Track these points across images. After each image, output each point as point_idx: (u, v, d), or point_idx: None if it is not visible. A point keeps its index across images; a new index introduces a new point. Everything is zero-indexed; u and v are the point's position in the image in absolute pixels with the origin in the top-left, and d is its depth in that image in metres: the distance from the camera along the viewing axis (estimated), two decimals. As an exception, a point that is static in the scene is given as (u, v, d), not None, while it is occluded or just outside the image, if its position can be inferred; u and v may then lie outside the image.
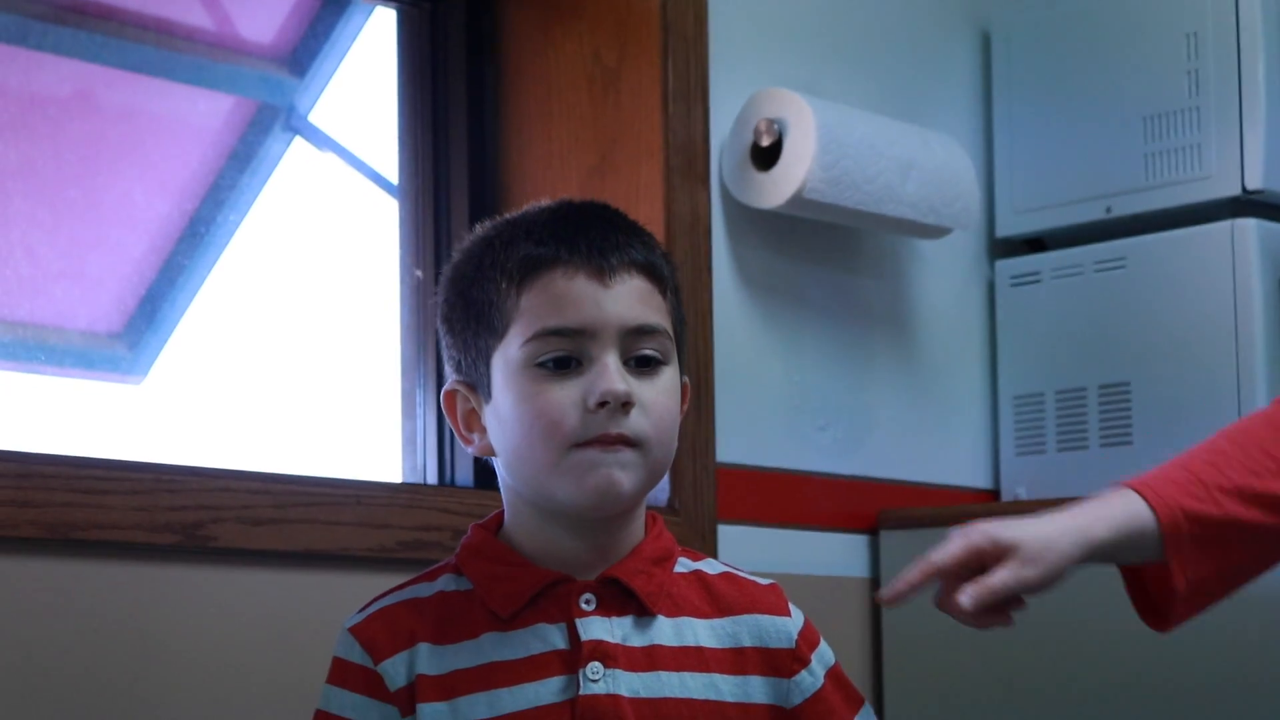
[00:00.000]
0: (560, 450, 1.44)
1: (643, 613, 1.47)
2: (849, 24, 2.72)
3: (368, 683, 1.46)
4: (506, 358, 1.46)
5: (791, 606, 1.54)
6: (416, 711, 1.44)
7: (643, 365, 1.46)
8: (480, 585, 1.48)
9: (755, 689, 1.49)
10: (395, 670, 1.46)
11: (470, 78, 2.54)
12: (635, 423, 1.44)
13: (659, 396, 1.46)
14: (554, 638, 1.45)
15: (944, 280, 2.81)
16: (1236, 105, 2.57)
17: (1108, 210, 2.71)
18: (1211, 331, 2.55)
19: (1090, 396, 2.69)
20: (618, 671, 1.44)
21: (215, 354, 2.40)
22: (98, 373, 2.35)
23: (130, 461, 1.95)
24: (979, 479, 2.82)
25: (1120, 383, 2.65)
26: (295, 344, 2.47)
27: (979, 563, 1.55)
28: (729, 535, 2.44)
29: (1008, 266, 2.82)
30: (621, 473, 1.44)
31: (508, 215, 1.54)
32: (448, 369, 1.54)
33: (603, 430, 1.43)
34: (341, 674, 1.47)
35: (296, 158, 2.52)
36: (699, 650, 1.48)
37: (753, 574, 1.56)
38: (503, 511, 1.53)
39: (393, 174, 2.53)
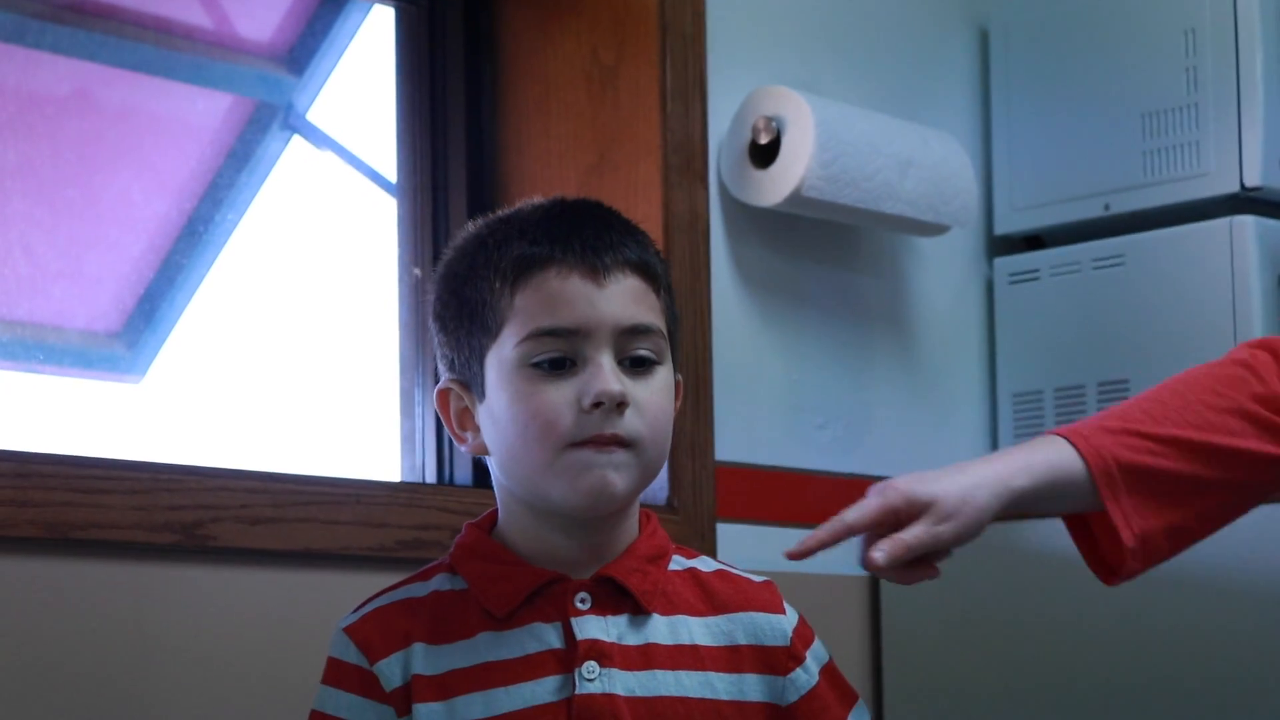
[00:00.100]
0: (555, 451, 1.44)
1: (638, 611, 1.48)
2: (847, 21, 2.72)
3: (363, 683, 1.46)
4: (500, 357, 1.46)
5: (786, 604, 1.54)
6: (412, 711, 1.44)
7: (637, 365, 1.46)
8: (475, 585, 1.48)
9: (750, 687, 1.49)
10: (391, 670, 1.46)
11: (468, 76, 2.54)
12: (630, 423, 1.44)
13: (653, 396, 1.46)
14: (549, 637, 1.46)
15: (942, 278, 2.81)
16: (1235, 102, 2.57)
17: (1106, 207, 2.71)
18: (1210, 329, 2.55)
19: (1089, 394, 2.69)
20: (613, 670, 1.44)
21: (214, 353, 2.40)
22: (96, 372, 2.35)
23: (129, 461, 1.95)
24: (978, 476, 2.81)
25: (1119, 380, 2.65)
26: (294, 343, 2.47)
27: (896, 520, 1.53)
28: (728, 534, 2.44)
29: (1006, 264, 2.82)
30: (615, 474, 1.44)
31: (500, 212, 1.53)
32: (440, 366, 1.54)
33: (597, 431, 1.43)
34: (337, 674, 1.48)
35: (295, 156, 2.52)
36: (694, 648, 1.48)
37: (747, 571, 1.56)
38: (497, 510, 1.53)
39: (391, 172, 2.53)
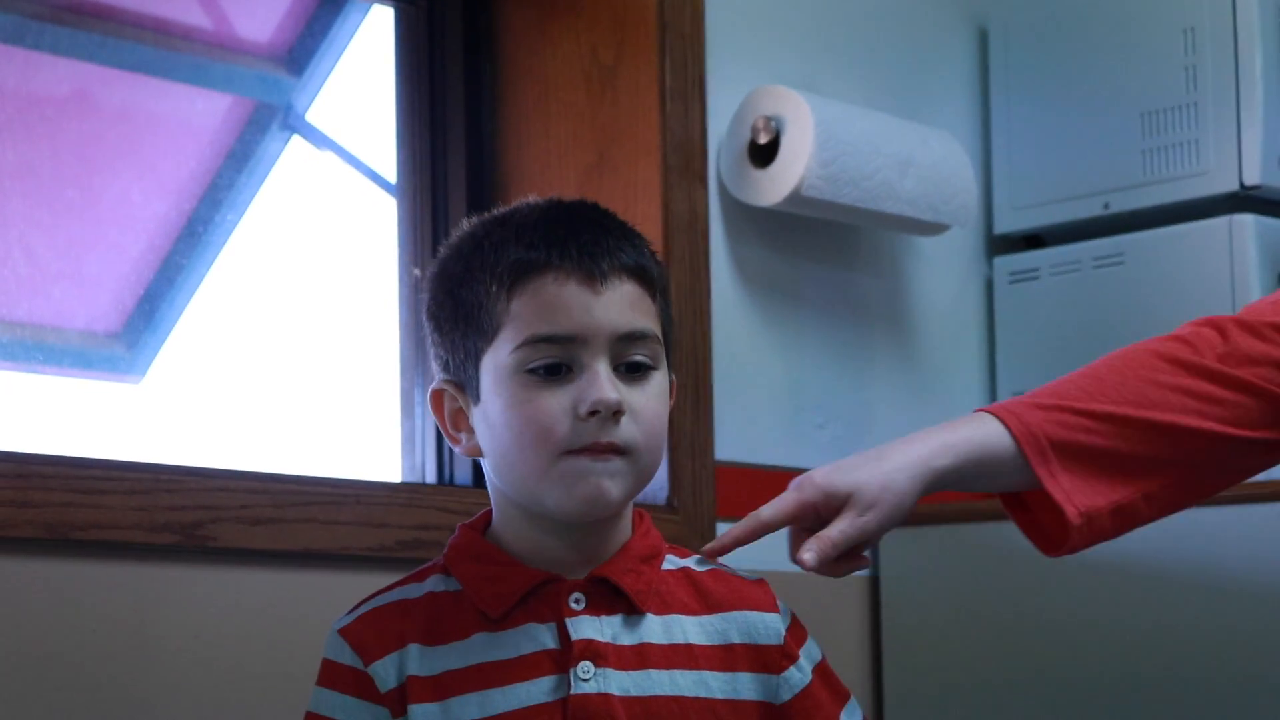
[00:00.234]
0: (550, 458, 1.44)
1: (632, 611, 1.48)
2: (846, 21, 2.72)
3: (358, 684, 1.46)
4: (496, 362, 1.46)
5: (779, 602, 1.54)
6: (408, 712, 1.44)
7: (632, 370, 1.46)
8: (469, 586, 1.48)
9: (744, 686, 1.49)
10: (386, 672, 1.46)
11: (468, 76, 2.54)
12: (625, 431, 1.44)
13: (649, 403, 1.46)
14: (544, 637, 1.46)
15: (942, 277, 2.81)
16: (1234, 101, 2.57)
17: (1106, 206, 2.71)
18: (1210, 327, 2.55)
19: (1089, 393, 2.68)
20: (608, 670, 1.44)
21: (213, 353, 2.40)
22: (96, 372, 2.35)
23: (129, 461, 1.96)
24: (978, 475, 2.81)
25: (1119, 379, 2.65)
26: (294, 343, 2.47)
27: (815, 513, 1.51)
28: (728, 533, 2.44)
29: (1006, 263, 2.82)
30: (610, 482, 1.44)
31: (496, 212, 1.53)
32: (434, 366, 1.54)
33: (594, 439, 1.43)
34: (331, 676, 1.48)
35: (294, 157, 2.52)
36: (688, 648, 1.48)
37: (740, 570, 1.56)
38: (490, 511, 1.53)
39: (391, 172, 2.53)
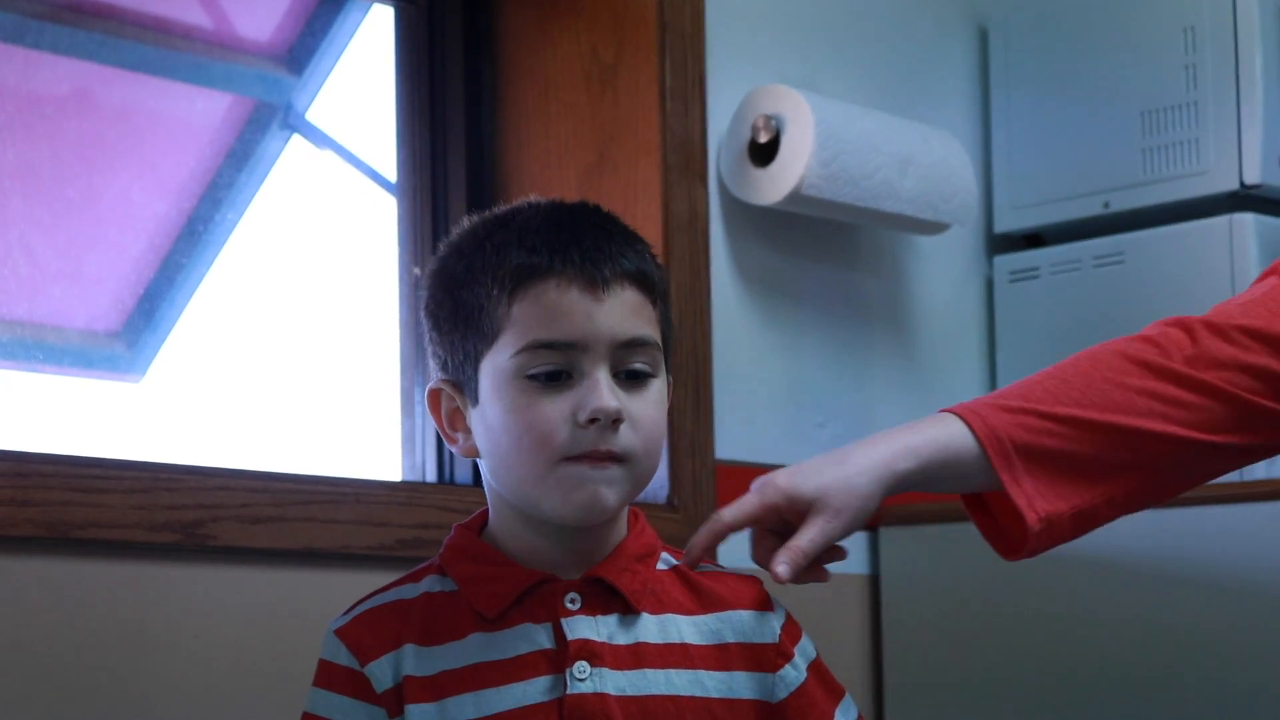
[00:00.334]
0: (548, 464, 1.44)
1: (627, 611, 1.48)
2: (846, 20, 2.72)
3: (355, 685, 1.46)
4: (496, 366, 1.45)
5: (774, 600, 1.54)
6: (404, 712, 1.45)
7: (632, 378, 1.46)
8: (465, 586, 1.48)
9: (740, 684, 1.49)
10: (382, 672, 1.46)
11: (468, 75, 2.55)
12: (624, 438, 1.44)
13: (648, 410, 1.46)
14: (540, 638, 1.46)
15: (942, 276, 2.81)
16: (1234, 100, 2.57)
17: (1106, 205, 2.71)
18: (1210, 326, 2.55)
19: (1089, 392, 2.68)
20: (604, 670, 1.45)
21: (214, 353, 2.40)
22: (96, 372, 2.35)
23: (129, 460, 1.96)
24: (978, 474, 2.81)
25: (1119, 378, 2.65)
26: (294, 342, 2.47)
27: (777, 516, 1.50)
28: (728, 532, 2.44)
29: (1006, 262, 2.82)
30: (608, 489, 1.44)
31: (498, 211, 1.52)
32: (432, 365, 1.53)
33: (593, 446, 1.43)
34: (328, 676, 1.48)
35: (294, 156, 2.52)
36: (684, 647, 1.48)
37: (735, 569, 1.56)
38: (486, 511, 1.53)
39: (391, 172, 2.53)
